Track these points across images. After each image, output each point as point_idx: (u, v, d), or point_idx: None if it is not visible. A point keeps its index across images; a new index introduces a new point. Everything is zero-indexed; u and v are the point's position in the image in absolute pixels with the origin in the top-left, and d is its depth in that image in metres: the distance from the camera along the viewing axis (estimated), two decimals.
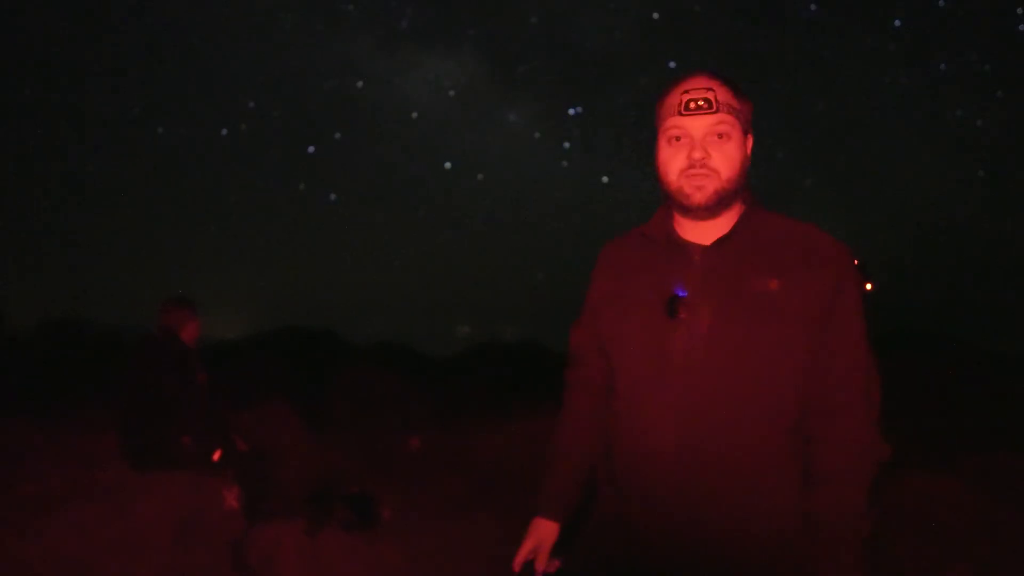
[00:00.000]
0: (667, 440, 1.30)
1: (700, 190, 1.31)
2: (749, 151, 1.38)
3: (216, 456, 3.75)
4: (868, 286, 2.17)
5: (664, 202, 1.42)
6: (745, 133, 1.36)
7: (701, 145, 1.31)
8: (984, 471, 4.59)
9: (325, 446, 5.75)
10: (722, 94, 1.32)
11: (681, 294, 1.32)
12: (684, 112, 1.32)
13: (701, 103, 1.30)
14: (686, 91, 1.32)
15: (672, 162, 1.34)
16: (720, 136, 1.31)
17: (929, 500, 3.82)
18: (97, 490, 3.65)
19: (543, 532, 1.51)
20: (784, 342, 1.28)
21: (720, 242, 1.34)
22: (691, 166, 1.31)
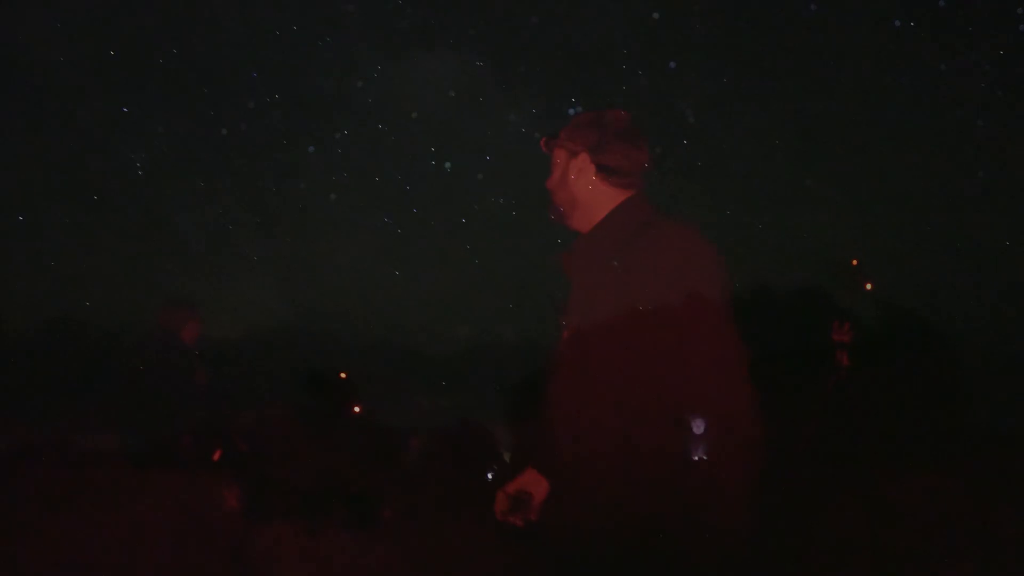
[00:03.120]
0: (554, 441, 1.44)
1: (558, 218, 1.60)
2: (583, 163, 1.53)
3: (216, 456, 3.74)
4: (868, 286, 2.17)
5: None
6: (573, 153, 1.54)
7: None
8: (984, 471, 4.58)
9: (325, 446, 5.73)
10: (551, 141, 1.59)
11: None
12: None
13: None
14: None
15: None
16: (553, 174, 1.57)
17: (929, 500, 3.81)
18: (97, 490, 3.64)
19: (533, 481, 1.61)
20: (640, 338, 1.32)
21: (570, 252, 1.51)
22: None
